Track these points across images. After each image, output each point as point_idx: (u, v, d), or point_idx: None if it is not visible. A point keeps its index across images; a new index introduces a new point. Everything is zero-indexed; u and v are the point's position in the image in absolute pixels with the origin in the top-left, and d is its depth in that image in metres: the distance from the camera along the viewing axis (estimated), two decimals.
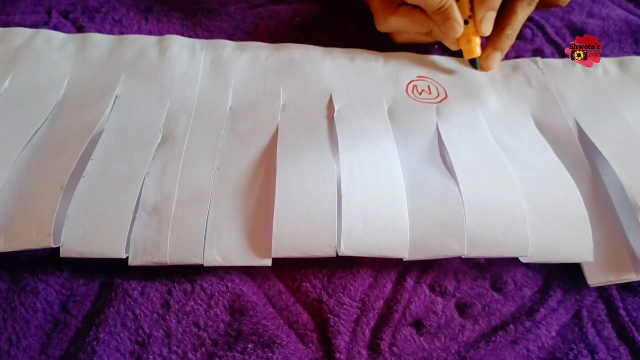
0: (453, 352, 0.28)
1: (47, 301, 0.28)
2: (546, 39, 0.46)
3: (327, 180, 0.30)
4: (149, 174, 0.30)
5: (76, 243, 0.27)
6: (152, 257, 0.28)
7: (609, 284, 0.31)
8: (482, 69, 0.41)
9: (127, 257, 0.28)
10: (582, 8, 0.49)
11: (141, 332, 0.27)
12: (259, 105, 0.36)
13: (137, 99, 0.35)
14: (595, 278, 0.30)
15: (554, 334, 0.29)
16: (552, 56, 0.44)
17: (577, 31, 0.47)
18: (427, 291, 0.30)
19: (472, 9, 0.39)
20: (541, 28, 0.47)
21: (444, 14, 0.38)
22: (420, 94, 0.38)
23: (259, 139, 0.33)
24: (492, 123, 0.36)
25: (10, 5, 0.43)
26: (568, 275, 0.31)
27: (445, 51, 0.43)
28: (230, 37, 0.43)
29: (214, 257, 0.28)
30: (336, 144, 0.33)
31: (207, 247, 0.28)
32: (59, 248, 0.27)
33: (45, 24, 0.42)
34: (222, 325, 0.28)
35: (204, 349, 0.27)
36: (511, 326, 0.29)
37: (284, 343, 0.28)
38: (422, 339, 0.29)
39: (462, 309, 0.30)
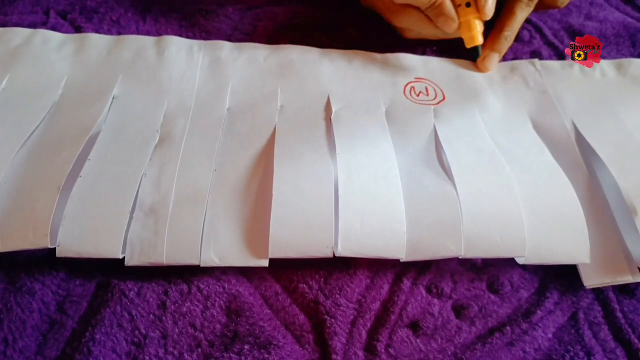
0: (449, 353, 0.28)
1: (43, 301, 0.28)
2: (544, 40, 0.46)
3: (324, 181, 0.30)
4: (146, 174, 0.30)
5: (72, 243, 0.27)
6: (148, 257, 0.28)
7: (605, 285, 0.31)
8: (480, 70, 0.41)
9: (124, 257, 0.28)
10: (580, 10, 0.49)
11: (137, 332, 0.27)
12: (256, 106, 0.36)
13: (134, 99, 0.35)
14: (591, 279, 0.30)
15: (550, 335, 0.29)
16: (550, 58, 0.44)
17: (574, 33, 0.47)
18: (424, 292, 0.30)
19: None
20: (539, 30, 0.47)
21: (437, 9, 0.38)
22: (418, 95, 0.38)
23: (257, 139, 0.33)
24: (490, 124, 0.37)
25: (8, 5, 0.43)
26: (564, 277, 0.31)
27: (442, 52, 0.43)
28: (228, 38, 0.43)
29: (210, 258, 0.28)
30: (333, 145, 0.33)
31: (203, 248, 0.28)
32: (55, 248, 0.27)
33: (43, 24, 0.42)
34: (218, 325, 0.28)
35: (200, 350, 0.27)
36: (507, 327, 0.29)
37: (280, 344, 0.28)
38: (418, 340, 0.29)
39: (459, 310, 0.30)
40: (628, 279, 0.30)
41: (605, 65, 0.43)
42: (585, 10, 0.49)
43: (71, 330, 0.27)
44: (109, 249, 0.27)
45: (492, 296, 0.31)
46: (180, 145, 0.32)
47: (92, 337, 0.27)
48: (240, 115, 0.35)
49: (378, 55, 0.41)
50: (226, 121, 0.34)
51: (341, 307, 0.29)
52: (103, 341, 0.27)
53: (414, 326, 0.29)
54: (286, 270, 0.30)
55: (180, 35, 0.41)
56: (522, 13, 0.40)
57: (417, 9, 0.39)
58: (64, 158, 0.30)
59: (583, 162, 0.34)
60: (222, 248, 0.29)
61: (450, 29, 0.39)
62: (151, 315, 0.28)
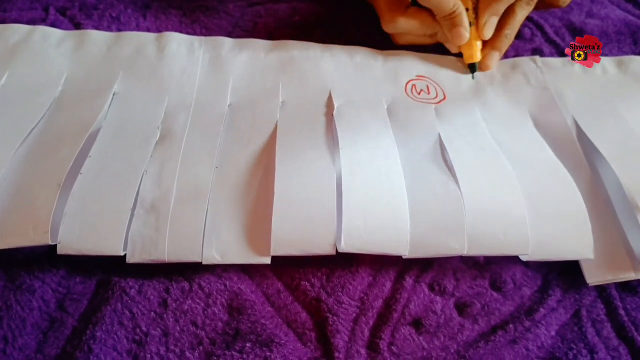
0: (452, 351, 0.28)
1: (43, 299, 0.28)
2: (545, 38, 0.46)
3: (326, 178, 0.30)
4: (146, 171, 0.30)
5: (73, 240, 0.27)
6: (149, 254, 0.28)
7: (608, 282, 0.31)
8: (480, 69, 0.41)
9: (125, 255, 0.28)
10: (581, 8, 0.49)
11: (138, 330, 0.27)
12: (257, 102, 0.35)
13: (134, 96, 0.35)
14: (593, 276, 0.30)
15: (553, 333, 0.29)
16: (551, 55, 0.44)
17: (575, 31, 0.47)
18: (426, 290, 0.30)
19: (475, 13, 0.39)
20: (540, 27, 0.47)
21: (453, 20, 0.38)
22: (419, 93, 0.38)
23: (258, 136, 0.33)
24: (491, 122, 0.36)
25: (7, 1, 0.43)
26: (567, 275, 0.31)
27: (443, 51, 0.43)
28: (229, 35, 0.42)
29: (212, 255, 0.28)
30: (335, 141, 0.33)
31: (205, 245, 0.28)
32: (55, 245, 0.27)
33: (42, 21, 0.41)
34: (219, 323, 0.28)
35: (201, 348, 0.27)
36: (510, 325, 0.29)
37: (282, 342, 0.27)
38: (421, 338, 0.29)
39: (461, 308, 0.30)
40: (631, 275, 0.30)
41: (607, 63, 0.42)
42: (586, 7, 0.49)
43: (71, 328, 0.27)
44: (110, 246, 0.27)
45: (494, 294, 0.31)
46: (181, 141, 0.32)
47: (93, 335, 0.27)
48: (242, 112, 0.35)
49: (380, 52, 0.41)
50: (227, 117, 0.34)
51: (343, 305, 0.29)
52: (104, 339, 0.27)
53: (417, 324, 0.29)
54: (288, 267, 0.30)
55: (181, 32, 0.40)
56: (522, 12, 0.40)
57: (428, 13, 0.39)
58: (64, 155, 0.30)
59: (584, 159, 0.34)
60: (224, 245, 0.28)
61: (460, 42, 0.39)
62: (152, 313, 0.28)
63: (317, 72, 0.38)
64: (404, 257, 0.29)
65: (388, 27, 0.41)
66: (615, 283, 0.31)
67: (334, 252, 0.28)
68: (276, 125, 0.34)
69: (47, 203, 0.27)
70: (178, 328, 0.27)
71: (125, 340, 0.27)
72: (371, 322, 0.29)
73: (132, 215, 0.28)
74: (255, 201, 0.30)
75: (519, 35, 0.45)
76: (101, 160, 0.30)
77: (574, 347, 0.29)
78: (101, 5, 0.43)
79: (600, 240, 0.30)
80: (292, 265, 0.30)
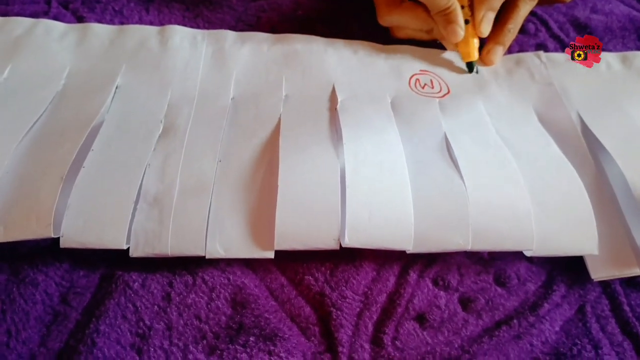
0: (456, 346, 0.28)
1: (46, 292, 0.28)
2: (549, 33, 0.46)
3: (330, 172, 0.30)
4: (150, 164, 0.30)
5: (76, 233, 0.27)
6: (153, 248, 0.28)
7: (612, 278, 0.30)
8: (484, 64, 0.41)
9: (128, 248, 0.28)
10: (586, 3, 0.49)
11: (141, 324, 0.27)
12: (260, 96, 0.35)
13: (137, 89, 0.35)
14: (598, 272, 0.30)
15: (557, 328, 0.29)
16: (555, 51, 0.44)
17: (580, 26, 0.47)
18: (430, 285, 0.30)
19: (471, 10, 0.39)
20: (544, 23, 0.47)
21: (447, 17, 0.38)
22: (423, 87, 0.38)
23: (261, 130, 0.33)
24: (495, 117, 0.36)
25: None
26: (571, 270, 0.31)
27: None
28: (232, 29, 0.42)
29: (215, 249, 0.28)
30: (338, 135, 0.32)
31: (208, 239, 0.28)
32: (58, 239, 0.27)
33: (45, 14, 0.41)
34: (223, 317, 0.28)
35: (205, 342, 0.27)
36: (514, 321, 0.29)
37: (286, 336, 0.27)
38: (424, 332, 0.29)
39: (465, 303, 0.30)
40: (635, 271, 0.30)
41: (611, 58, 0.42)
42: (590, 3, 0.49)
43: (75, 321, 0.27)
44: (113, 240, 0.27)
45: (499, 289, 0.31)
46: (185, 135, 0.32)
47: (96, 328, 0.26)
48: (245, 105, 0.35)
49: (383, 47, 0.41)
50: (230, 111, 0.34)
51: (347, 300, 0.29)
52: (107, 333, 0.26)
53: (421, 319, 0.29)
54: (292, 262, 0.30)
55: (184, 26, 0.40)
56: (525, 6, 0.40)
57: (423, 8, 0.39)
58: (67, 148, 0.30)
59: (589, 154, 0.34)
60: (227, 239, 0.28)
61: (455, 39, 0.38)
62: (156, 306, 0.28)
63: (321, 66, 0.38)
64: (408, 252, 0.29)
65: (383, 20, 0.41)
66: (619, 279, 0.31)
67: (337, 247, 0.28)
68: (279, 119, 0.33)
69: (49, 196, 0.27)
70: (182, 322, 0.27)
71: (128, 333, 0.27)
72: (375, 317, 0.29)
73: (135, 208, 0.28)
74: (259, 195, 0.30)
75: (523, 31, 0.44)
76: (104, 153, 0.30)
77: (579, 342, 0.29)
78: None
79: (605, 236, 0.30)
80: (296, 259, 0.30)
